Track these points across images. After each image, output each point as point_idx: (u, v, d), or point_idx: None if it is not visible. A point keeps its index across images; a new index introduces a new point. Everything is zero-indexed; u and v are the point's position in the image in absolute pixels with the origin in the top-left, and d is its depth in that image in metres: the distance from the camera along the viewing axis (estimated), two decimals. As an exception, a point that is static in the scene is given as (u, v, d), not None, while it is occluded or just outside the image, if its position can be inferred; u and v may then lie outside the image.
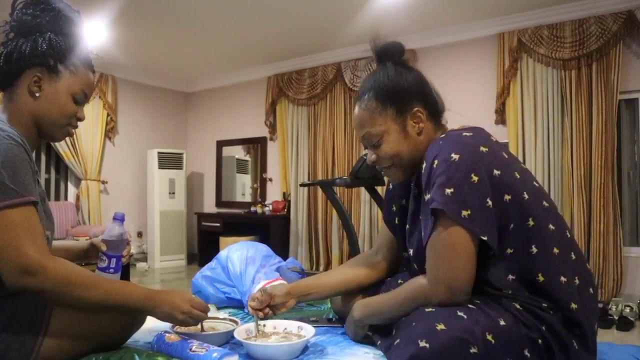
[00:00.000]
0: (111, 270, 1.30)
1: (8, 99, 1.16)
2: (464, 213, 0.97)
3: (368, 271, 1.37)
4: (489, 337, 0.93)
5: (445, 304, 0.99)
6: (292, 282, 1.44)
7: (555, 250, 1.03)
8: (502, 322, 0.96)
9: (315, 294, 1.36)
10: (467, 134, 1.07)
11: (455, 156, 1.00)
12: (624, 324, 3.22)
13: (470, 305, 0.99)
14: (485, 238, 0.98)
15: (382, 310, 1.15)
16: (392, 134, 1.13)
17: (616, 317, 3.30)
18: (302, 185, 4.69)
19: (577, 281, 1.03)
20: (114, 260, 1.29)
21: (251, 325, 1.29)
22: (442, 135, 1.09)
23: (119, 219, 1.33)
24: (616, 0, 3.69)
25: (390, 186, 1.34)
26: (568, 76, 3.89)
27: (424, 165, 1.06)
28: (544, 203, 1.07)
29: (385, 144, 1.14)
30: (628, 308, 3.34)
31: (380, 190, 4.32)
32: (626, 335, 3.13)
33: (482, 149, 1.03)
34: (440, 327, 0.92)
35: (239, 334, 1.23)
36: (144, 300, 1.12)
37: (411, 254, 1.19)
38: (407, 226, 1.22)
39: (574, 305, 1.00)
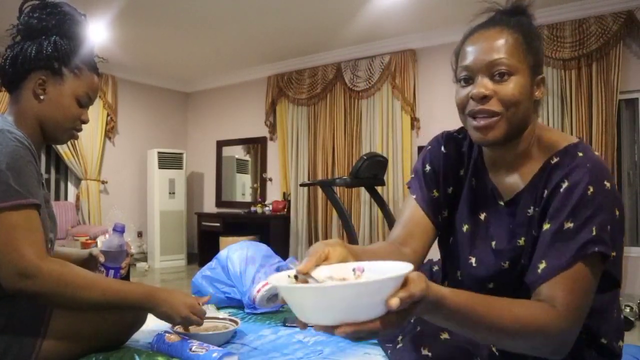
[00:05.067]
0: None
1: (14, 101, 1.17)
2: (612, 254, 0.87)
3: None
4: (494, 349, 0.91)
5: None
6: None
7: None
8: None
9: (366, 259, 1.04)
10: (598, 153, 0.94)
11: (607, 184, 0.88)
12: (624, 324, 3.23)
13: None
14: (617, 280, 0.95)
15: (478, 319, 0.76)
16: (523, 78, 0.92)
17: (616, 317, 3.31)
18: (302, 185, 4.70)
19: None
20: (112, 272, 1.30)
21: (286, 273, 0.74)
22: (580, 154, 0.91)
23: (119, 230, 1.33)
24: (616, 0, 3.69)
25: (427, 167, 1.11)
26: (568, 76, 3.90)
27: (564, 185, 0.88)
28: None
29: (512, 83, 0.91)
30: (628, 308, 3.34)
31: (381, 190, 4.32)
32: (626, 335, 3.13)
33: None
34: (444, 336, 0.91)
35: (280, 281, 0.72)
36: (144, 299, 1.13)
37: (473, 263, 1.02)
38: (466, 226, 1.05)
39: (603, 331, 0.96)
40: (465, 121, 0.96)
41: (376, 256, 0.86)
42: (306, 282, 0.68)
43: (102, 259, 1.30)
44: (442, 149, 1.10)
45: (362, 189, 4.72)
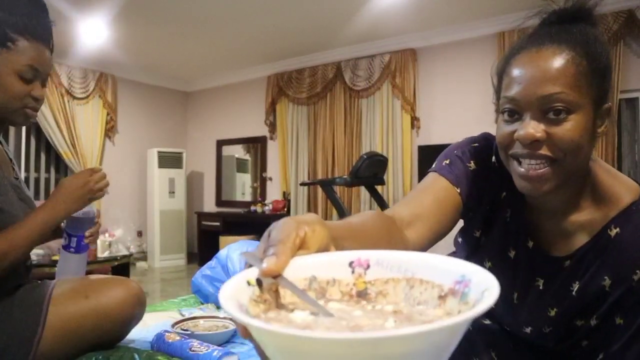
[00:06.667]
0: (71, 249, 1.19)
1: None
2: None
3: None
4: (493, 354, 0.92)
5: None
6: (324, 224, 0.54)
7: None
8: (511, 345, 0.95)
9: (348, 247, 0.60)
10: None
11: None
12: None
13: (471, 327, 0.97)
14: None
15: None
16: (585, 116, 0.72)
17: (616, 317, 3.30)
18: (302, 184, 4.70)
19: None
20: (74, 240, 1.20)
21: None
22: None
23: None
24: (617, 0, 3.69)
25: (472, 165, 0.87)
26: (568, 75, 3.89)
27: (637, 277, 0.75)
28: None
29: (571, 123, 0.72)
30: (628, 307, 3.34)
31: (381, 189, 4.32)
32: None
33: None
34: None
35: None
36: (50, 218, 1.07)
37: (493, 305, 0.97)
38: (489, 264, 0.91)
39: None
40: (508, 163, 0.79)
41: (369, 240, 0.60)
42: (276, 289, 0.39)
43: (63, 224, 1.20)
44: (494, 159, 0.87)
45: (362, 189, 4.72)
